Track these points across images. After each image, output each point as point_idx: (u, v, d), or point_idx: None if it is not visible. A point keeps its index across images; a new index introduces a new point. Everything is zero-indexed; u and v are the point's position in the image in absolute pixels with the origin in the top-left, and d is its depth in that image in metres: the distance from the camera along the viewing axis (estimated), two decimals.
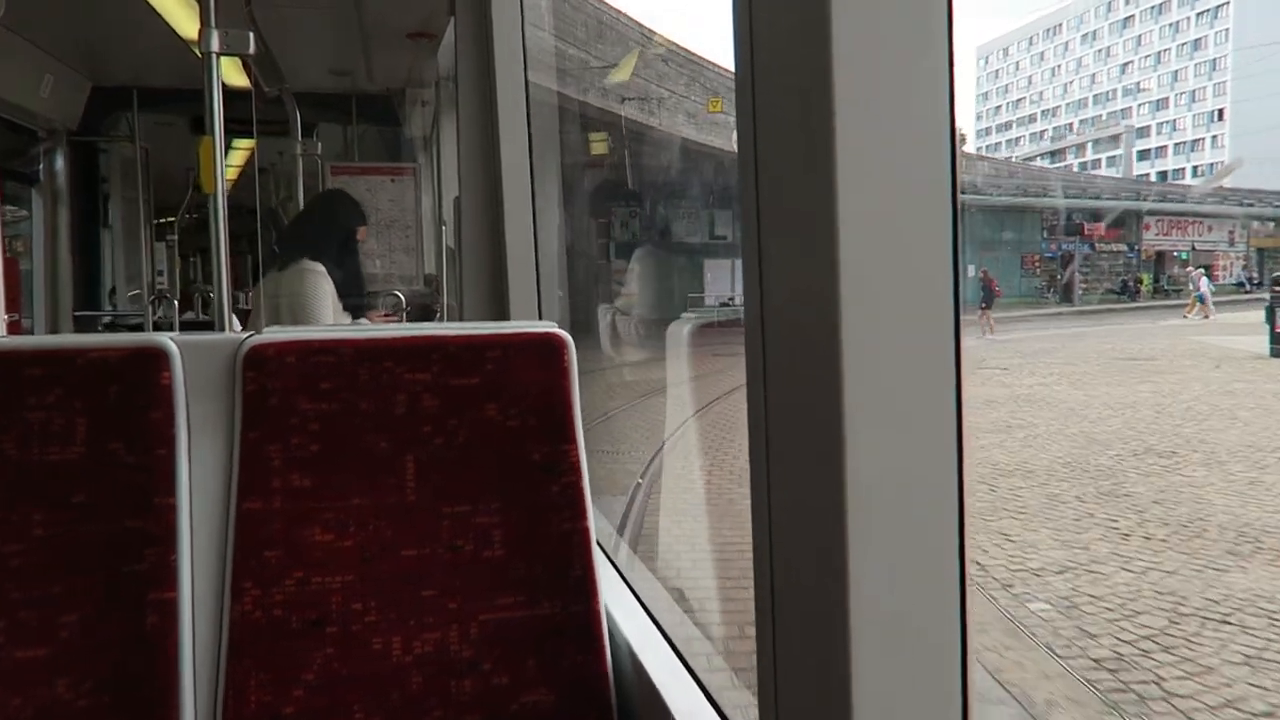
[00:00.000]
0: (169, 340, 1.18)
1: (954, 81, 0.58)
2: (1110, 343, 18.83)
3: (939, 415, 0.57)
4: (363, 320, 3.23)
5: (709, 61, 17.48)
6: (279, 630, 1.15)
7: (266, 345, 1.18)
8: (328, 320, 2.96)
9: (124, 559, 1.13)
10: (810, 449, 0.60)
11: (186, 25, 4.35)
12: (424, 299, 3.97)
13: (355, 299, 3.13)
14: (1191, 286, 26.42)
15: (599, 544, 1.28)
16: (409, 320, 3.78)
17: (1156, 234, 35.56)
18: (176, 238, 7.19)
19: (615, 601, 1.33)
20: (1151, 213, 35.79)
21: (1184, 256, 34.70)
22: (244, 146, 6.37)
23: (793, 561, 0.64)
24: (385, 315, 3.69)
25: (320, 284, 2.97)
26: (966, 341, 0.58)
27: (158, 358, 1.17)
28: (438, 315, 4.06)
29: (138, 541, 1.14)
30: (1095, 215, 34.90)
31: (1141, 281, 34.55)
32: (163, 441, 1.16)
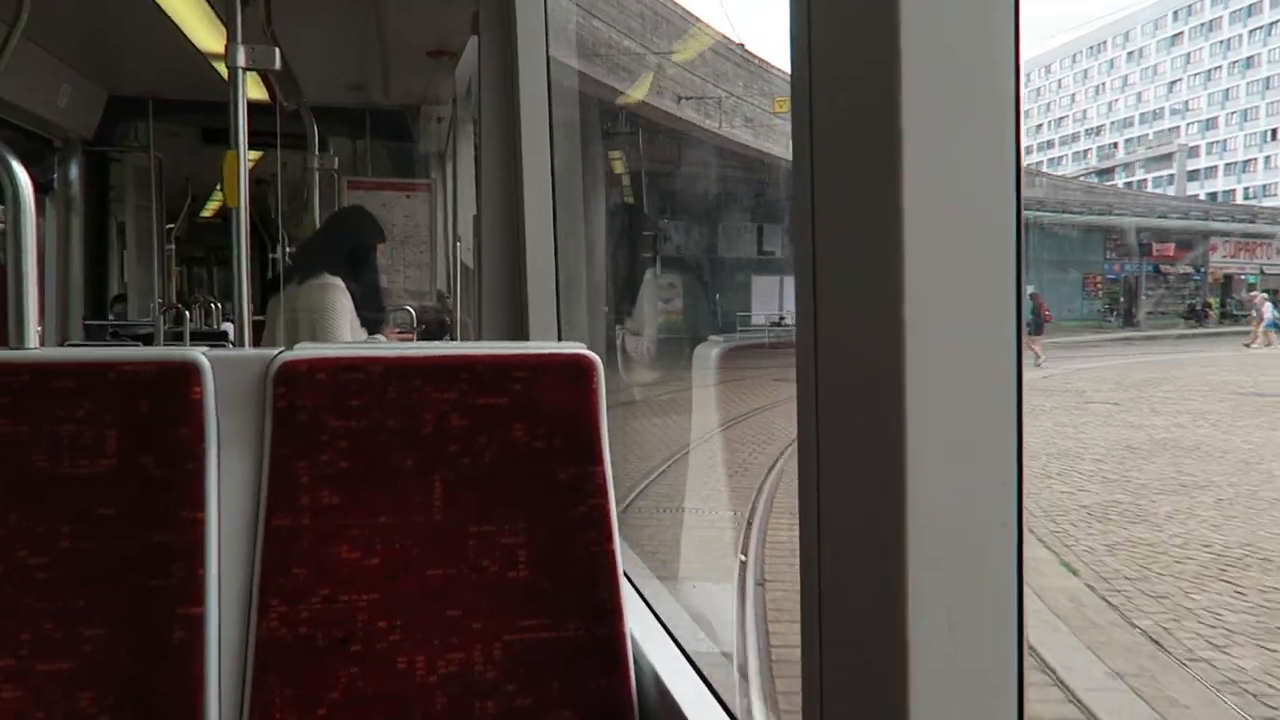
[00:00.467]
0: (200, 355, 1.18)
1: (1020, 98, 0.58)
2: (1216, 374, 16.68)
3: (1001, 446, 0.57)
4: (379, 336, 3.23)
5: (769, 63, 16.83)
6: (305, 647, 1.14)
7: (298, 362, 1.19)
8: (346, 336, 2.96)
9: (151, 573, 1.13)
10: (869, 479, 0.60)
11: (204, 37, 4.38)
12: (436, 315, 3.98)
13: (373, 315, 3.13)
14: (1256, 314, 25.45)
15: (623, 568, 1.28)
16: (421, 337, 3.79)
17: (1224, 255, 34.19)
18: (173, 247, 7.22)
19: (640, 625, 1.33)
20: (1219, 233, 34.49)
21: (1252, 280, 33.25)
22: (250, 158, 6.40)
23: (846, 598, 0.63)
24: (399, 332, 3.70)
25: (339, 299, 2.98)
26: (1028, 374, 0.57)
27: (189, 372, 1.17)
28: (447, 334, 4.06)
29: (165, 556, 1.14)
30: (1161, 235, 33.42)
31: (1210, 305, 33.02)
32: (192, 456, 1.16)
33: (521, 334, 2.08)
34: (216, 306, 7.72)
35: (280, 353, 1.20)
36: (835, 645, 0.65)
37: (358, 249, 3.13)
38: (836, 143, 0.64)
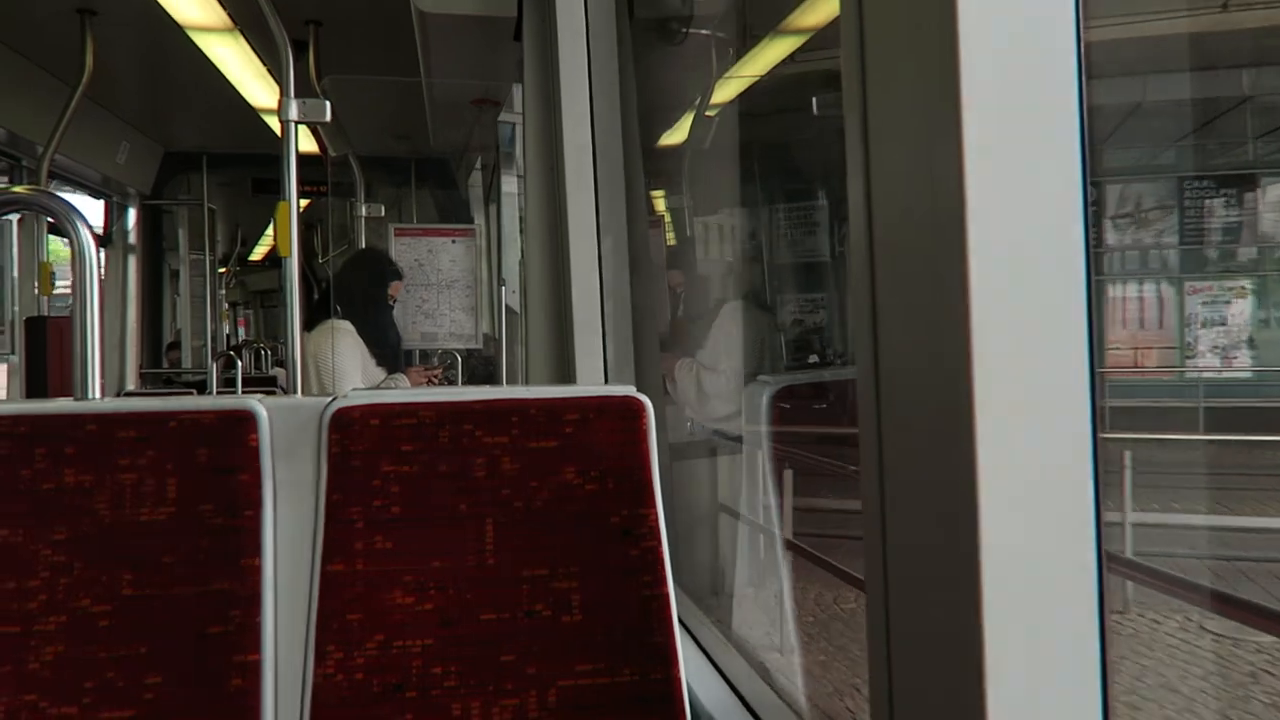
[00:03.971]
0: (256, 404, 1.20)
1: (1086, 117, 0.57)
2: None
3: (1078, 488, 0.55)
4: (399, 377, 3.24)
5: None
6: (360, 694, 1.14)
7: (351, 408, 1.20)
8: (353, 377, 2.97)
9: (210, 620, 1.14)
10: (938, 524, 0.59)
11: (255, 93, 4.53)
12: (484, 358, 4.00)
13: (389, 355, 3.14)
14: None
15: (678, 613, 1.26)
16: (469, 381, 3.81)
17: None
18: (224, 292, 7.39)
19: (696, 671, 1.30)
20: None
21: None
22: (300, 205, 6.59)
23: (915, 645, 0.62)
24: (428, 370, 3.69)
25: (340, 341, 3.00)
26: None
27: (246, 420, 1.19)
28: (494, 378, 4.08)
29: (223, 603, 1.15)
30: None
31: None
32: (250, 503, 1.17)
33: (568, 378, 2.09)
34: (266, 352, 7.88)
35: (334, 399, 1.21)
36: (907, 693, 0.63)
37: (369, 289, 3.16)
38: (892, 149, 0.64)
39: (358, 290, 3.18)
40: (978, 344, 0.55)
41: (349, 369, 2.98)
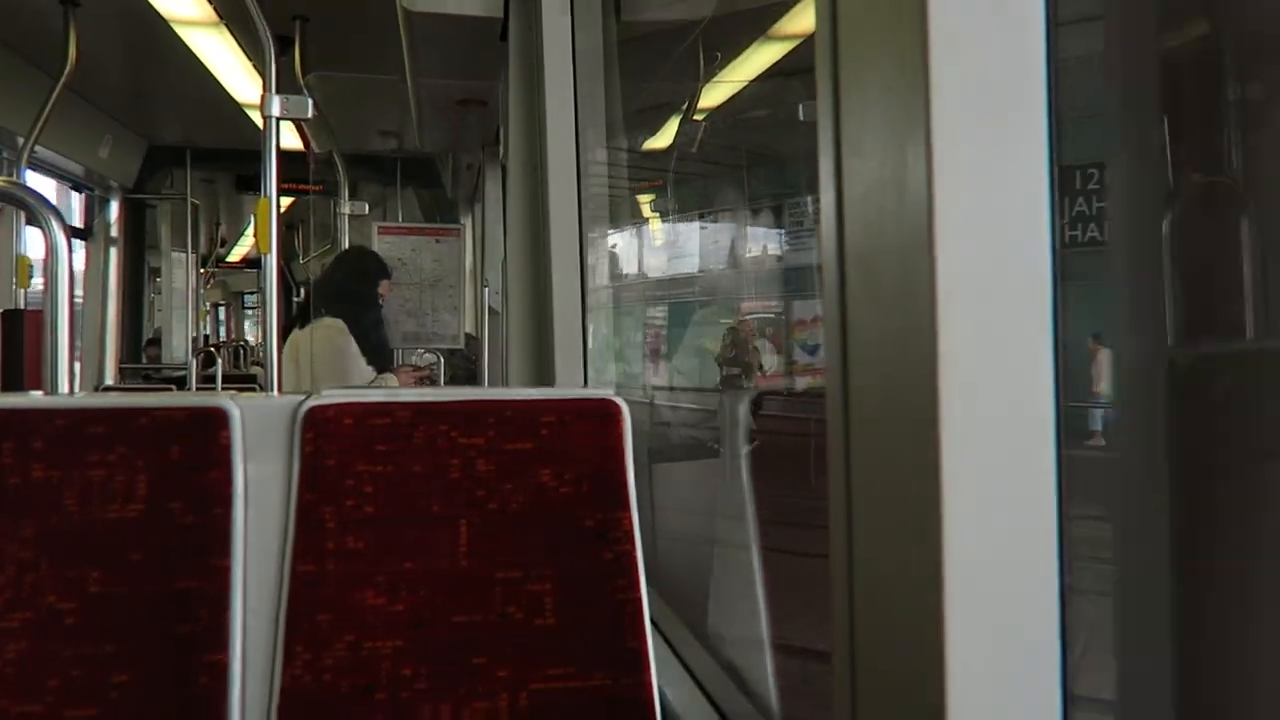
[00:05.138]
0: (229, 401, 1.19)
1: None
2: None
3: (1041, 497, 0.56)
4: (388, 377, 3.23)
5: None
6: (329, 696, 1.13)
7: (325, 407, 1.19)
8: (353, 377, 2.97)
9: (177, 620, 1.13)
10: (903, 533, 0.59)
11: (240, 88, 4.50)
12: (465, 360, 3.99)
13: (379, 355, 3.14)
14: None
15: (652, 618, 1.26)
16: (450, 382, 3.80)
17: None
18: (204, 290, 7.35)
19: (669, 677, 1.30)
20: None
21: None
22: (283, 204, 6.58)
23: (880, 634, 0.62)
24: (416, 371, 3.68)
25: (339, 340, 3.00)
26: None
27: (218, 418, 1.18)
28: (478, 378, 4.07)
29: (192, 602, 1.13)
30: None
31: None
32: (220, 501, 1.16)
33: (548, 379, 2.08)
34: (245, 349, 7.82)
35: (307, 397, 1.20)
36: (870, 694, 0.63)
37: (361, 289, 3.16)
38: (863, 135, 0.64)
39: (348, 288, 3.18)
40: (944, 352, 0.55)
41: (350, 370, 2.98)
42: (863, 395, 0.63)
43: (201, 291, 7.00)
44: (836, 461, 0.66)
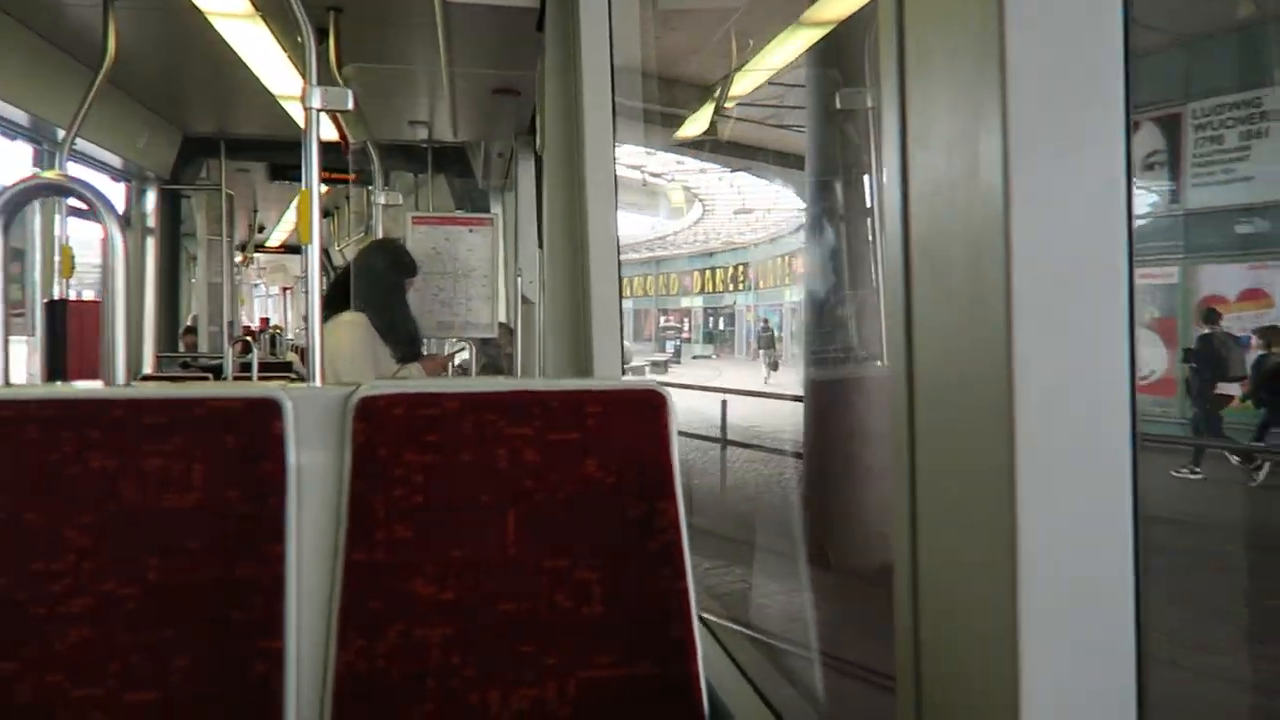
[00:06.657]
0: (281, 392, 1.21)
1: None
2: None
3: (1117, 492, 0.55)
4: (412, 368, 3.23)
5: None
6: (382, 682, 1.15)
7: (376, 397, 1.20)
8: (365, 370, 2.97)
9: (234, 606, 1.15)
10: (972, 529, 0.58)
11: (275, 79, 4.54)
12: (498, 351, 4.00)
13: (406, 346, 3.14)
14: None
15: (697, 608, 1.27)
16: (482, 372, 3.81)
17: None
18: (241, 278, 7.42)
19: (715, 666, 1.31)
20: None
21: None
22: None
23: (947, 645, 0.61)
24: (435, 361, 3.67)
25: (352, 334, 2.99)
26: None
27: (272, 408, 1.19)
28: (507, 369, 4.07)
29: (247, 589, 1.15)
30: None
31: None
32: (274, 490, 1.17)
33: (586, 369, 2.09)
34: (280, 338, 7.89)
35: (358, 388, 1.22)
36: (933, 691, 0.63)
37: (385, 282, 3.15)
38: (932, 136, 0.63)
39: (376, 280, 3.18)
40: (1020, 346, 0.54)
41: (361, 363, 2.98)
42: (930, 395, 0.63)
43: (239, 277, 7.08)
44: (901, 463, 0.65)
